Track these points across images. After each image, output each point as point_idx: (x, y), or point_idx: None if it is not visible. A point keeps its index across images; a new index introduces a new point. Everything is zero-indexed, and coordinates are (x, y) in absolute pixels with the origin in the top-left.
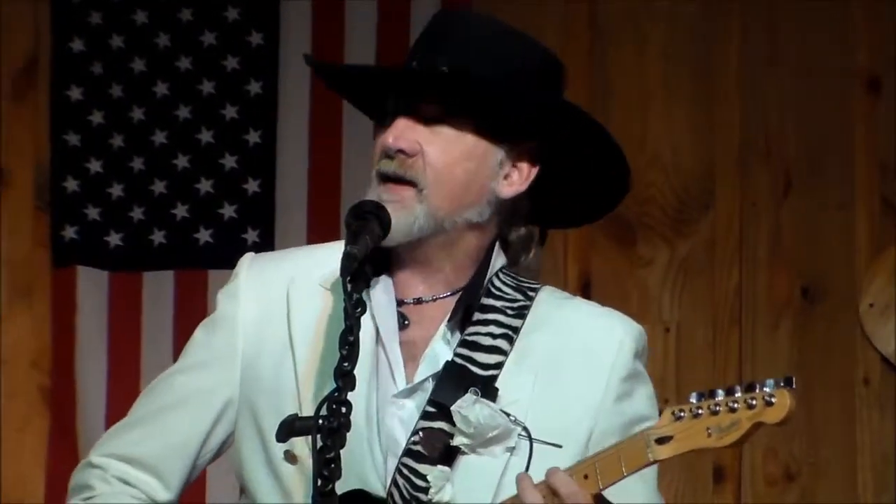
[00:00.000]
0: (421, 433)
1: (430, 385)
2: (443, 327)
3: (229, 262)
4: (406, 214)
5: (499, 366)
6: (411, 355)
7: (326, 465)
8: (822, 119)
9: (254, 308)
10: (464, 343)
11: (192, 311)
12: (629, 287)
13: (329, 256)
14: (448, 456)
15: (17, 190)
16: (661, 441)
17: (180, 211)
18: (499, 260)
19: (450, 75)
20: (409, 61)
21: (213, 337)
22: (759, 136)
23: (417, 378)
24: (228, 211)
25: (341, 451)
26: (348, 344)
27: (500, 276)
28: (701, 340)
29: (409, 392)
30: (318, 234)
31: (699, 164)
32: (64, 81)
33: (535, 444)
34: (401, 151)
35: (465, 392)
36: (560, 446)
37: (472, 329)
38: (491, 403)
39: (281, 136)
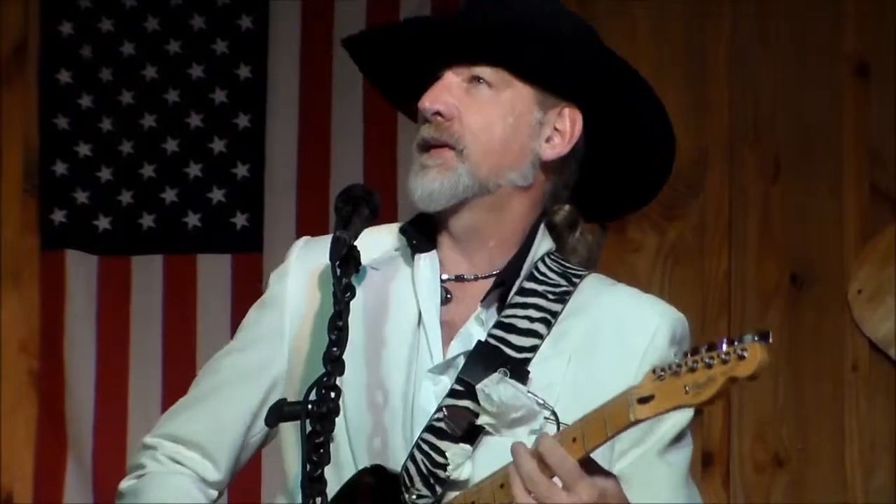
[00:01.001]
0: (445, 410)
1: (461, 361)
2: (478, 307)
3: (218, 247)
4: (450, 175)
5: (534, 349)
6: (450, 331)
7: (315, 449)
8: (812, 104)
9: (301, 289)
10: (499, 325)
11: (180, 295)
12: (619, 272)
13: (379, 239)
14: (471, 435)
15: (6, 173)
16: (642, 401)
17: (169, 195)
18: (544, 243)
19: (495, 26)
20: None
21: (262, 316)
22: (748, 121)
23: (451, 353)
24: (217, 195)
25: (368, 423)
26: (337, 329)
27: (547, 260)
28: (690, 325)
29: (444, 368)
30: (308, 218)
31: (689, 150)
32: (53, 65)
33: (562, 427)
34: (437, 114)
35: (491, 371)
36: None
37: (509, 311)
38: (518, 384)
39: (270, 120)
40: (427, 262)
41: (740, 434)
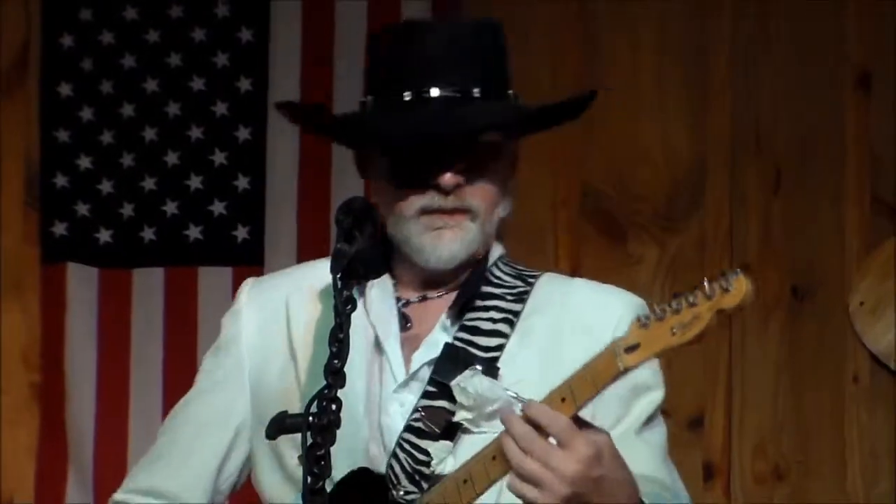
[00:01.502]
0: (422, 411)
1: (425, 372)
2: (442, 317)
3: (219, 259)
4: (466, 236)
5: (500, 348)
6: (411, 350)
7: (317, 462)
8: (814, 114)
9: (255, 326)
10: (463, 328)
11: (182, 308)
12: (619, 283)
13: (323, 271)
14: (450, 432)
15: (7, 186)
16: (629, 350)
17: (170, 208)
18: (496, 250)
19: (496, 125)
20: (420, 91)
21: (220, 360)
22: (749, 131)
23: (415, 365)
24: (218, 208)
25: (337, 450)
26: (338, 341)
27: (500, 265)
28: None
29: (407, 383)
30: (308, 231)
31: (690, 160)
32: (54, 77)
33: None
34: (456, 187)
35: (462, 370)
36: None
37: (471, 315)
38: (489, 377)
39: (271, 133)
40: (378, 289)
41: (741, 446)
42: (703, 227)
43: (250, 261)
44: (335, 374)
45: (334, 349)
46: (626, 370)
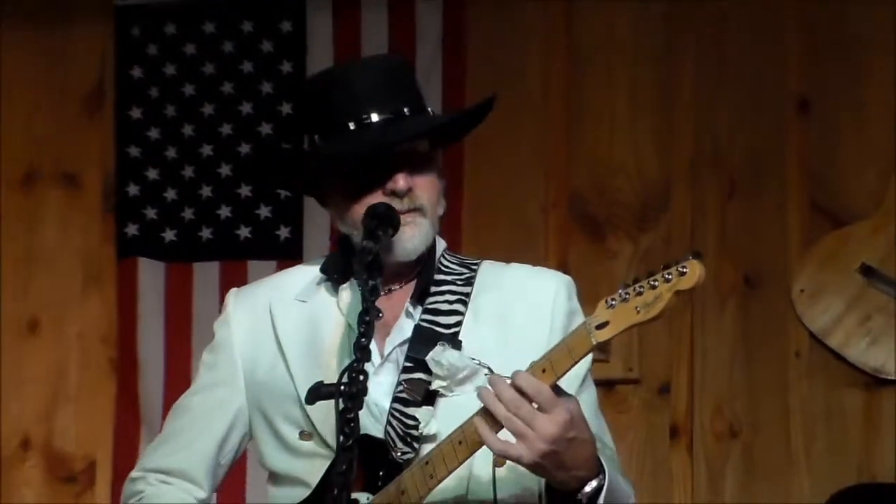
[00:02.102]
0: (405, 384)
1: (396, 354)
2: (406, 305)
3: (265, 254)
4: (422, 231)
5: (458, 324)
6: (384, 335)
7: (347, 423)
8: (762, 134)
9: (244, 330)
10: (427, 311)
11: None
12: (599, 276)
13: (298, 277)
14: (430, 399)
15: (88, 194)
16: (599, 327)
17: (224, 211)
18: (440, 244)
19: (438, 126)
20: (369, 116)
21: (216, 359)
22: (708, 148)
23: (388, 348)
24: (264, 211)
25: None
26: (365, 322)
27: (446, 256)
28: (659, 319)
29: (382, 364)
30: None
31: (658, 172)
32: (126, 103)
33: None
34: (408, 190)
35: (433, 346)
36: None
37: (431, 300)
38: (458, 351)
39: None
40: (348, 290)
41: (701, 410)
42: (669, 227)
43: (291, 255)
44: (363, 349)
45: (362, 329)
46: (598, 344)
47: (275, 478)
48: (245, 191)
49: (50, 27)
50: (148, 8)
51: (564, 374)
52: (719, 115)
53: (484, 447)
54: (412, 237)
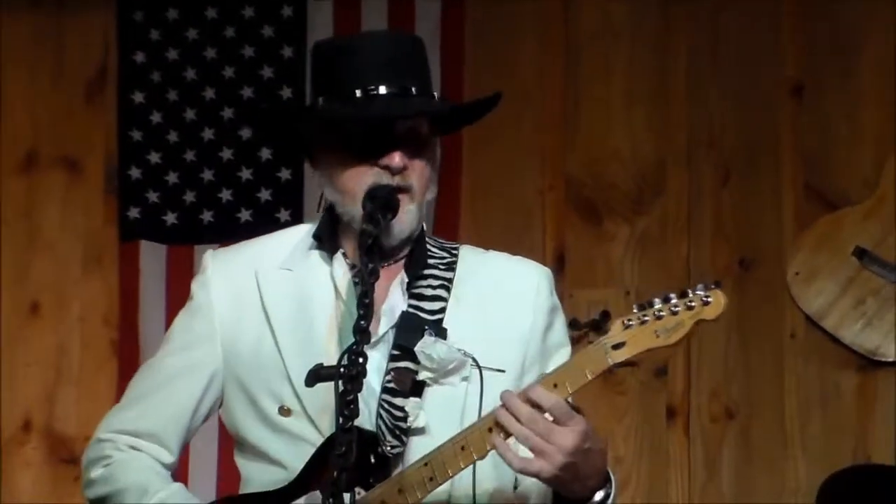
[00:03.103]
0: (392, 373)
1: (390, 335)
2: (397, 286)
3: None
4: (409, 216)
5: (442, 310)
6: (373, 312)
7: (347, 405)
8: (756, 119)
9: (225, 294)
10: (412, 296)
11: None
12: (596, 257)
13: (282, 243)
14: (416, 389)
15: (91, 177)
16: (616, 347)
17: (225, 195)
18: (422, 227)
19: (438, 104)
20: (376, 87)
21: (193, 322)
22: (703, 133)
23: (381, 331)
24: (265, 195)
25: (325, 405)
26: (364, 305)
27: (427, 239)
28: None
29: (375, 344)
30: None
31: (654, 157)
32: (129, 87)
33: (483, 372)
34: (402, 169)
35: (420, 335)
36: (503, 371)
37: (416, 283)
38: (445, 342)
39: None
40: (339, 262)
41: (698, 391)
42: (665, 210)
43: None
44: (363, 332)
45: (361, 311)
46: (614, 365)
47: (247, 449)
48: (246, 174)
49: (53, 12)
50: None
51: (578, 390)
52: (714, 100)
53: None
54: (399, 220)
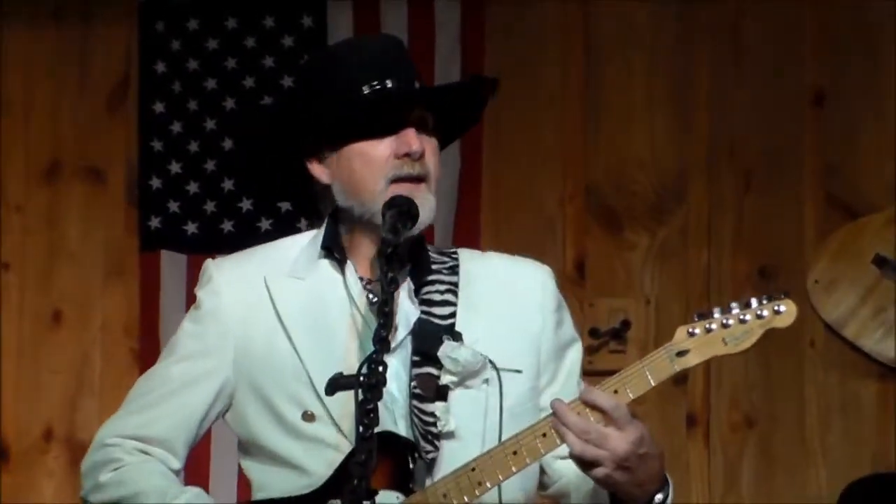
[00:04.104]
0: (416, 379)
1: (408, 342)
2: (407, 292)
3: None
4: (430, 203)
5: (452, 315)
6: (393, 320)
7: (367, 414)
8: (778, 127)
9: (235, 301)
10: (422, 302)
11: None
12: (617, 267)
13: (285, 252)
14: (440, 393)
15: (112, 187)
16: (680, 354)
17: (245, 205)
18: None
19: (448, 89)
20: (383, 83)
21: (203, 329)
22: (724, 141)
23: (398, 338)
24: (284, 205)
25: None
26: (384, 314)
27: (427, 245)
28: (676, 311)
29: (393, 351)
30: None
31: (675, 165)
32: (150, 97)
33: (501, 373)
34: (420, 155)
35: (439, 340)
36: (521, 371)
37: (424, 290)
38: (466, 345)
39: None
40: (351, 271)
41: (718, 400)
42: (686, 219)
43: None
44: (382, 341)
45: (381, 321)
46: (679, 370)
47: (261, 455)
48: None
49: (75, 23)
50: (171, 4)
51: (640, 395)
52: (736, 108)
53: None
54: (420, 209)
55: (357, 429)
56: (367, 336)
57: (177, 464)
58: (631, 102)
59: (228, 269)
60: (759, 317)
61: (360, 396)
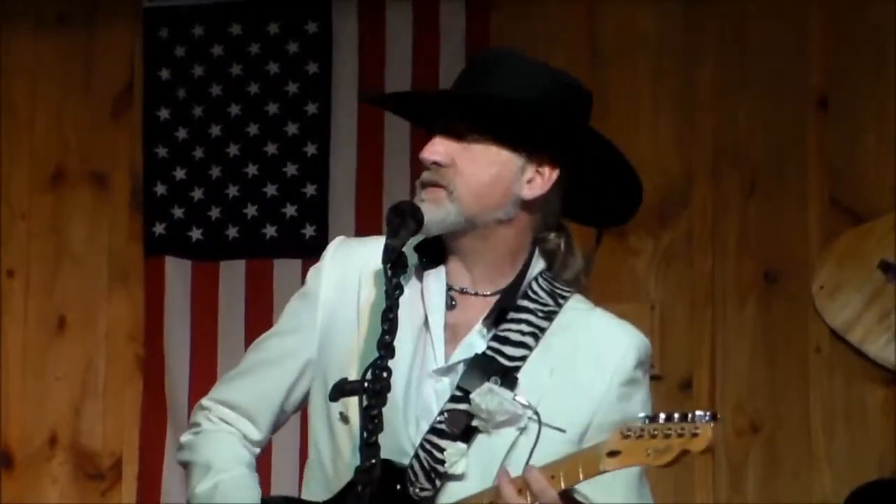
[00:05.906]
0: (446, 413)
1: (461, 367)
2: (479, 324)
3: (291, 253)
4: (438, 209)
5: (523, 358)
6: (452, 336)
7: (371, 420)
8: (782, 131)
9: (333, 286)
10: (496, 338)
11: (260, 294)
12: (622, 272)
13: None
14: (468, 433)
15: (117, 193)
16: (611, 454)
17: (250, 210)
18: (538, 265)
19: (468, 97)
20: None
21: (300, 308)
22: (729, 145)
23: (452, 360)
24: (290, 210)
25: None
26: (388, 320)
27: (539, 280)
28: (681, 316)
29: (446, 371)
30: (364, 229)
31: (679, 170)
32: (154, 103)
33: (542, 427)
34: (435, 163)
35: (488, 380)
36: (564, 431)
37: (504, 326)
38: (504, 392)
39: (334, 149)
40: (434, 276)
41: (723, 404)
42: (690, 223)
43: (316, 254)
44: (386, 346)
45: (386, 326)
46: (604, 471)
47: (313, 443)
48: (271, 190)
49: (79, 29)
50: (176, 10)
51: (570, 486)
52: (740, 112)
53: None
54: (428, 212)
55: (361, 434)
56: (423, 350)
57: (257, 434)
58: (635, 106)
59: (341, 254)
60: (680, 435)
61: (365, 402)
